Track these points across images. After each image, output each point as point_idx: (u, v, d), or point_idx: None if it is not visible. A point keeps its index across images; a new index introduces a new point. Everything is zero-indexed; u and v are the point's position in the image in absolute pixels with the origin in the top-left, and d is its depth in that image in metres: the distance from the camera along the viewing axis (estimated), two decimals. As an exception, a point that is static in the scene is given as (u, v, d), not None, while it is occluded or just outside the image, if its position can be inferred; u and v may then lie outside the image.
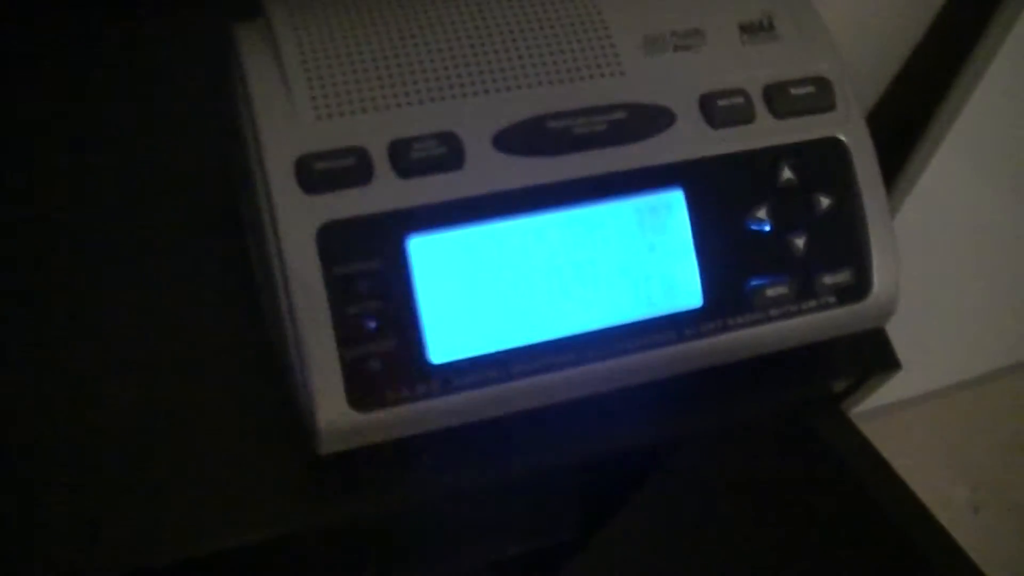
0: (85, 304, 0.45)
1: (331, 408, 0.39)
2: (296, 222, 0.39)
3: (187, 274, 0.47)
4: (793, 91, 0.45)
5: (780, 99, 0.45)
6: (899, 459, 0.52)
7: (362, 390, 0.40)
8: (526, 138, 0.42)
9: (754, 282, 0.44)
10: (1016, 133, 0.87)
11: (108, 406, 0.43)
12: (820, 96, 0.45)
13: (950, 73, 0.83)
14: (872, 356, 0.50)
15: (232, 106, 0.43)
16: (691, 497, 0.54)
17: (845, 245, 0.45)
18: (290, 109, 0.40)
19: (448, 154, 0.41)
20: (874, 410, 0.55)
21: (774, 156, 0.45)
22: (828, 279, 0.45)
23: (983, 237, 0.99)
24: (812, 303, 0.45)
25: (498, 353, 0.41)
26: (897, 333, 0.52)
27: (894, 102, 0.84)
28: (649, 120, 0.43)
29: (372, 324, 0.40)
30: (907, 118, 0.86)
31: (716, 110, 0.44)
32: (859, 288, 0.46)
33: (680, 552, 0.54)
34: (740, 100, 0.44)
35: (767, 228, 0.44)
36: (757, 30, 0.46)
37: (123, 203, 0.48)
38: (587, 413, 0.45)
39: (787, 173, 0.45)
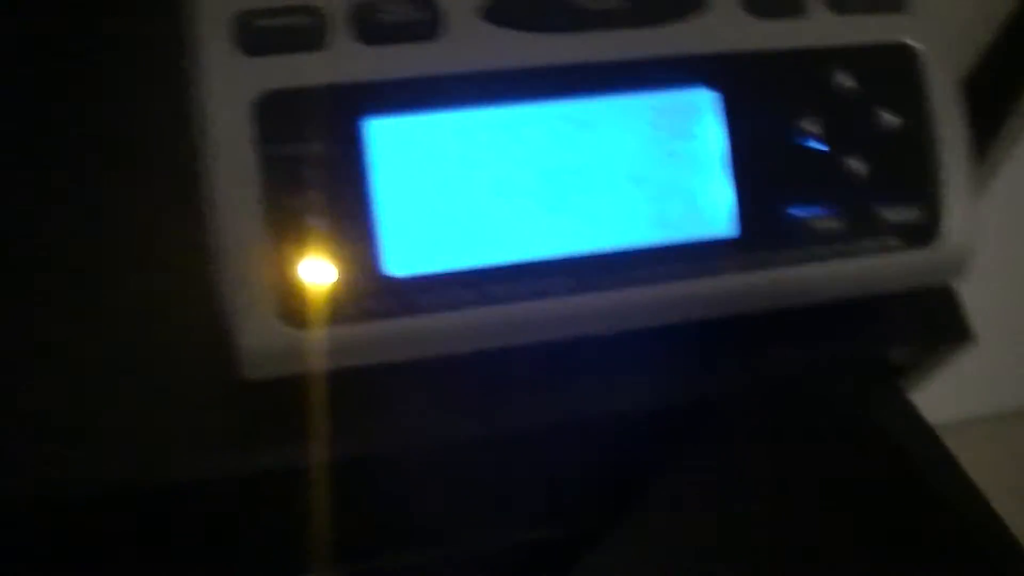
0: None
1: (258, 321, 0.31)
2: (230, 87, 0.32)
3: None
4: (854, -19, 0.37)
5: (839, -11, 0.37)
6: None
7: (297, 302, 0.32)
8: (523, 9, 0.34)
9: (798, 210, 0.36)
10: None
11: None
12: (888, -8, 0.37)
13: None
14: (938, 321, 0.41)
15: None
16: (721, 485, 0.45)
17: (912, 175, 0.37)
18: (233, -44, 0.33)
19: (424, 21, 0.33)
20: (951, 425, 0.46)
21: (830, 58, 0.36)
22: (889, 214, 0.36)
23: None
24: (869, 242, 0.36)
25: (473, 270, 0.33)
26: (982, 346, 0.43)
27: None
28: (676, 1, 0.35)
29: (315, 221, 0.32)
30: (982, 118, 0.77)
31: (761, -4, 0.36)
32: (926, 229, 0.37)
33: (711, 548, 0.45)
34: (790, -13, 0.36)
35: (817, 145, 0.36)
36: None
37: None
38: (586, 359, 0.37)
39: (845, 80, 0.36)
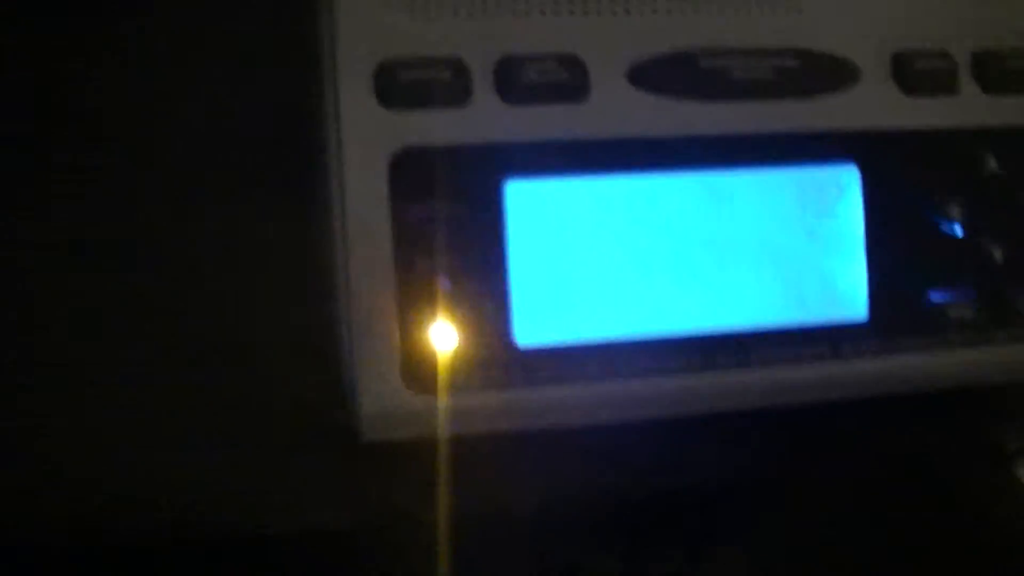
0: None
1: (381, 384, 0.30)
2: (367, 141, 0.31)
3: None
4: (1008, 62, 0.35)
5: (992, 69, 0.35)
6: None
7: (423, 367, 0.31)
8: (671, 75, 0.33)
9: (934, 296, 0.34)
10: None
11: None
12: (1039, 73, 0.36)
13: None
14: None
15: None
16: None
17: (1051, 265, 0.36)
18: (377, 2, 0.32)
19: (569, 82, 0.32)
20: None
21: (978, 139, 0.35)
22: (1025, 305, 0.35)
23: None
24: (1001, 332, 0.35)
25: (601, 344, 0.32)
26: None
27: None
28: (826, 73, 0.34)
29: (446, 284, 0.31)
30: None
31: (912, 72, 0.34)
32: (1062, 322, 0.36)
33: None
34: (943, 64, 0.35)
35: (959, 229, 0.34)
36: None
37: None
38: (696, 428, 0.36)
39: (991, 164, 0.35)
